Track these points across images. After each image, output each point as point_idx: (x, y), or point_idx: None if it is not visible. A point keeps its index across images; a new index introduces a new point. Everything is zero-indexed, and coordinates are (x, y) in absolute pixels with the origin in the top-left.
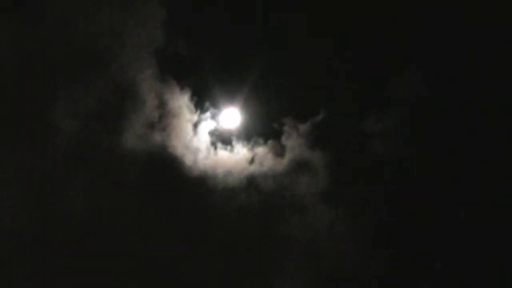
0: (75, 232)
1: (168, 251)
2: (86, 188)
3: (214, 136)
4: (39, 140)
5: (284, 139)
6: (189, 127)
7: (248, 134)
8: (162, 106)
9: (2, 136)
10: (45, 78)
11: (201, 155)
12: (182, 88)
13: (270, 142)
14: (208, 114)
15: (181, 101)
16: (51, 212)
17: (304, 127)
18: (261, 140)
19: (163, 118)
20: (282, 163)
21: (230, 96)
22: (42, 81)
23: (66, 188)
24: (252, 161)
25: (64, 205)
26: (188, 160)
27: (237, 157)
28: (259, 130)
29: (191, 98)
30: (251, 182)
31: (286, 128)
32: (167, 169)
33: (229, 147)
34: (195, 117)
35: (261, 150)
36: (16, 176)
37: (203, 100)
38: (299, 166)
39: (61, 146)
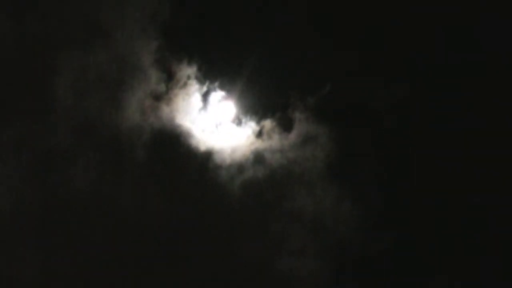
0: (79, 209)
1: (174, 227)
2: (90, 164)
3: (222, 109)
4: (41, 114)
5: (291, 112)
6: (197, 100)
7: (256, 107)
8: (169, 78)
9: (2, 111)
10: (47, 50)
11: (208, 128)
12: (190, 60)
13: (277, 115)
14: (216, 87)
15: (189, 72)
16: (54, 190)
17: (311, 100)
18: (268, 113)
19: (170, 91)
20: (290, 137)
21: (238, 69)
22: (44, 53)
23: (70, 164)
24: (259, 134)
25: (68, 182)
26: (195, 133)
27: (244, 131)
28: (266, 104)
29: (199, 70)
30: (258, 157)
31: (293, 101)
32: (174, 143)
33: (236, 120)
34: (203, 89)
35: (268, 123)
36: (17, 152)
37: (211, 72)
38: (306, 140)
39: (64, 120)
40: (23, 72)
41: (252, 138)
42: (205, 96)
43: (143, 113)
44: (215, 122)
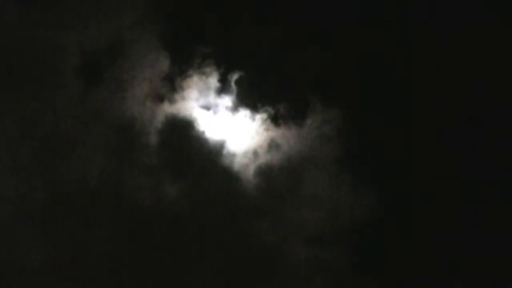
0: (87, 197)
1: (187, 213)
2: (100, 150)
3: (237, 92)
4: (49, 99)
5: (307, 95)
6: (212, 82)
7: (271, 92)
8: (184, 60)
9: (10, 96)
10: (54, 34)
11: (223, 112)
12: (206, 43)
13: (293, 98)
14: (232, 67)
15: (205, 52)
16: (61, 177)
17: (327, 83)
18: (284, 96)
19: (184, 73)
20: (305, 122)
21: (253, 55)
22: (51, 38)
23: (78, 150)
24: (275, 118)
25: (76, 169)
26: (209, 117)
27: (259, 115)
28: (281, 89)
29: (216, 50)
30: (273, 141)
31: (309, 84)
32: (187, 128)
33: (251, 103)
34: (219, 70)
35: (284, 106)
36: (24, 138)
37: (227, 52)
38: (322, 124)
39: (73, 105)
40: (30, 58)
41: (267, 122)
42: (222, 78)
43: (156, 96)
44: (230, 105)
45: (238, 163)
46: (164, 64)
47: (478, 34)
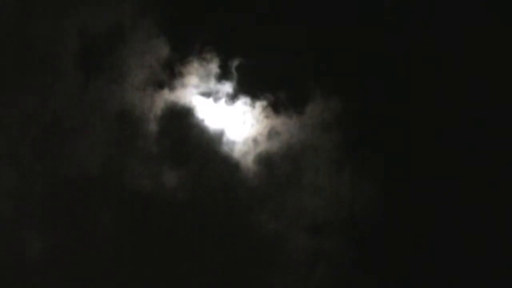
0: (87, 186)
1: (186, 202)
2: (99, 140)
3: (237, 79)
4: (49, 88)
5: (306, 85)
6: (213, 69)
7: (271, 79)
8: (183, 48)
9: (10, 86)
10: (51, 21)
11: (223, 99)
12: (207, 29)
13: (294, 86)
14: (231, 57)
15: (205, 38)
16: (61, 167)
17: (326, 73)
18: (284, 86)
19: (183, 61)
20: (306, 109)
21: (253, 42)
22: (49, 24)
23: (78, 140)
24: (274, 108)
25: (76, 158)
26: (209, 104)
27: (260, 103)
28: (282, 76)
29: (215, 41)
30: (273, 129)
31: (309, 74)
32: (186, 117)
33: (251, 92)
34: (218, 60)
35: (283, 96)
36: (24, 128)
37: (226, 44)
38: (322, 113)
39: (73, 95)
40: (28, 47)
41: (268, 109)
42: (222, 64)
43: (156, 83)
44: (230, 92)
45: (237, 151)
46: (164, 50)
47: (478, 34)
